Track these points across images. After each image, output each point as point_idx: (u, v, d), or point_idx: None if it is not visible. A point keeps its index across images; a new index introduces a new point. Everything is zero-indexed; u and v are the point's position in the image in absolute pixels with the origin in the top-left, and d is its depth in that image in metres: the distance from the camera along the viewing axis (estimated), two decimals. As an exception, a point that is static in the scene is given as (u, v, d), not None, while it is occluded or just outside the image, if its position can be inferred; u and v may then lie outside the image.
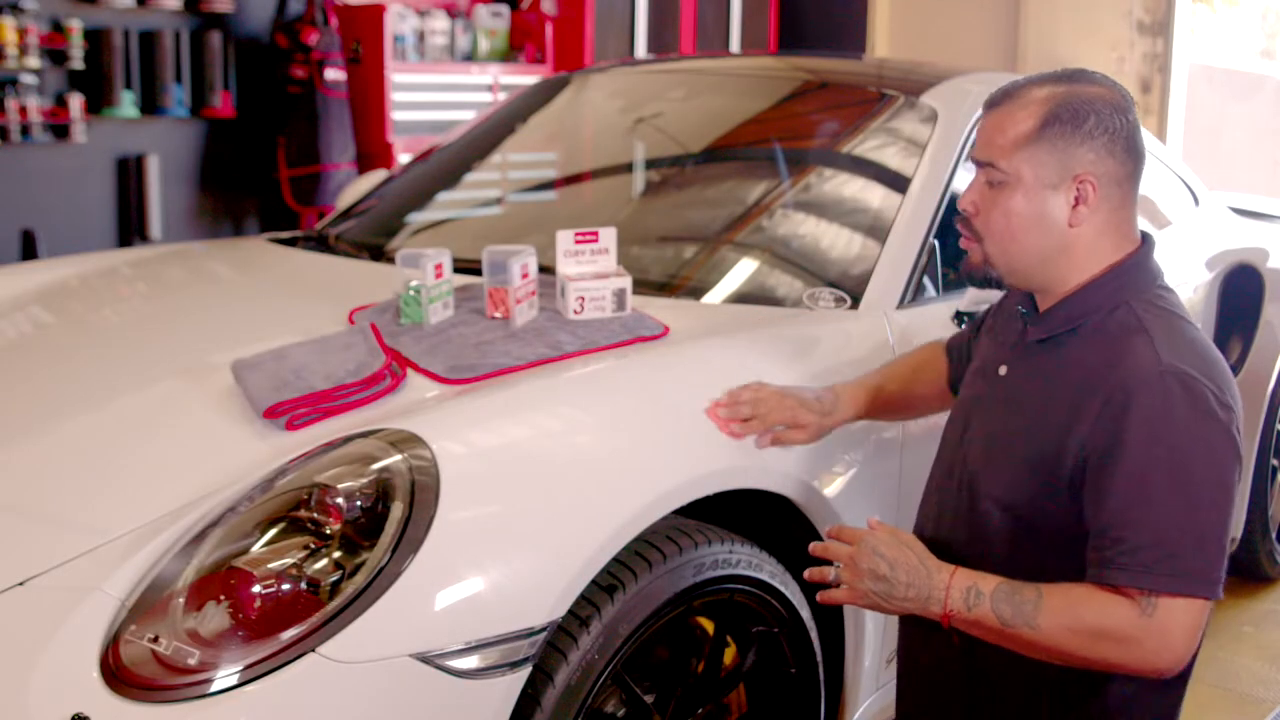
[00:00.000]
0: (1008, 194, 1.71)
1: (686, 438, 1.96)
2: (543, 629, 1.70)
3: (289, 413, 1.94)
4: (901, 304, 2.45)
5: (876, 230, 2.58)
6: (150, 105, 5.60)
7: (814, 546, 1.82)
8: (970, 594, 1.66)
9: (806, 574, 1.84)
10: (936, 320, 2.46)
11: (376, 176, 3.49)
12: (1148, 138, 3.58)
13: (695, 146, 3.13)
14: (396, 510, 1.68)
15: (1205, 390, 1.62)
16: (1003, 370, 1.83)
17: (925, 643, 1.89)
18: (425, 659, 1.61)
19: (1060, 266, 1.74)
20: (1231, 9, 8.15)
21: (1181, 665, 1.64)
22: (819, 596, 1.83)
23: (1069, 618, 1.62)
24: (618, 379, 2.06)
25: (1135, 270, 1.74)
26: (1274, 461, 3.80)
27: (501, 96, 6.23)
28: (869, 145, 2.86)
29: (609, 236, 2.34)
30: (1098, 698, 1.75)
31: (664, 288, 2.57)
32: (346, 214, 3.30)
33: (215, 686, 1.54)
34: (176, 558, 1.67)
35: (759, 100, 3.19)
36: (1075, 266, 1.74)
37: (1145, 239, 1.79)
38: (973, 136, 2.74)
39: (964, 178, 2.68)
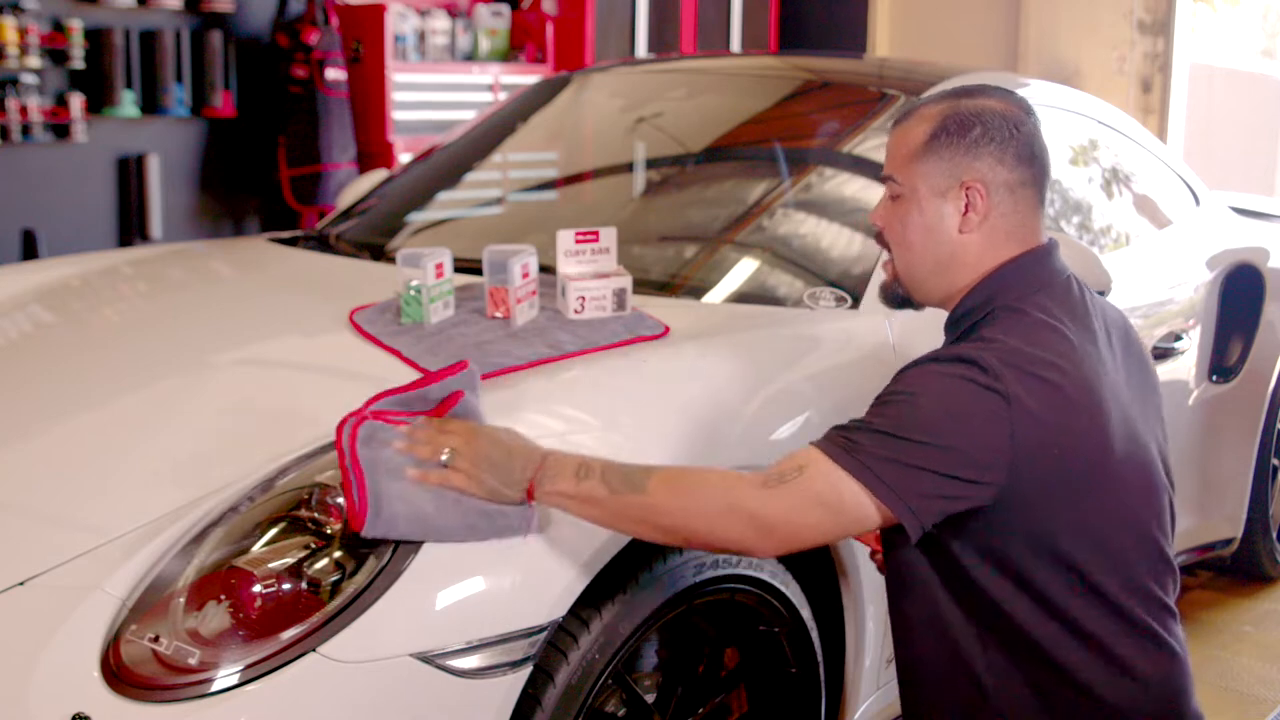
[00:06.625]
0: (905, 205, 1.76)
1: (687, 437, 1.96)
2: (543, 628, 1.70)
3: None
4: (902, 303, 2.44)
5: (877, 230, 2.57)
6: (151, 105, 5.60)
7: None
8: (580, 470, 1.64)
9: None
10: (936, 320, 2.45)
11: (377, 176, 3.49)
12: (1148, 136, 3.61)
13: (696, 146, 3.13)
14: (397, 510, 1.67)
15: (962, 354, 1.63)
16: None
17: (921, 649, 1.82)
18: (426, 659, 1.61)
19: (951, 275, 1.76)
20: (1232, 8, 8.15)
21: (774, 540, 1.59)
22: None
23: (677, 474, 1.63)
24: (618, 379, 2.06)
25: (1011, 274, 1.73)
26: (1274, 461, 3.80)
27: (502, 96, 6.23)
28: (870, 145, 2.86)
29: (609, 236, 2.34)
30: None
31: (664, 287, 2.57)
32: (347, 214, 3.30)
33: (216, 686, 1.54)
34: (177, 557, 1.67)
35: (760, 100, 3.18)
36: (965, 274, 1.76)
37: (1046, 243, 1.77)
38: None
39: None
